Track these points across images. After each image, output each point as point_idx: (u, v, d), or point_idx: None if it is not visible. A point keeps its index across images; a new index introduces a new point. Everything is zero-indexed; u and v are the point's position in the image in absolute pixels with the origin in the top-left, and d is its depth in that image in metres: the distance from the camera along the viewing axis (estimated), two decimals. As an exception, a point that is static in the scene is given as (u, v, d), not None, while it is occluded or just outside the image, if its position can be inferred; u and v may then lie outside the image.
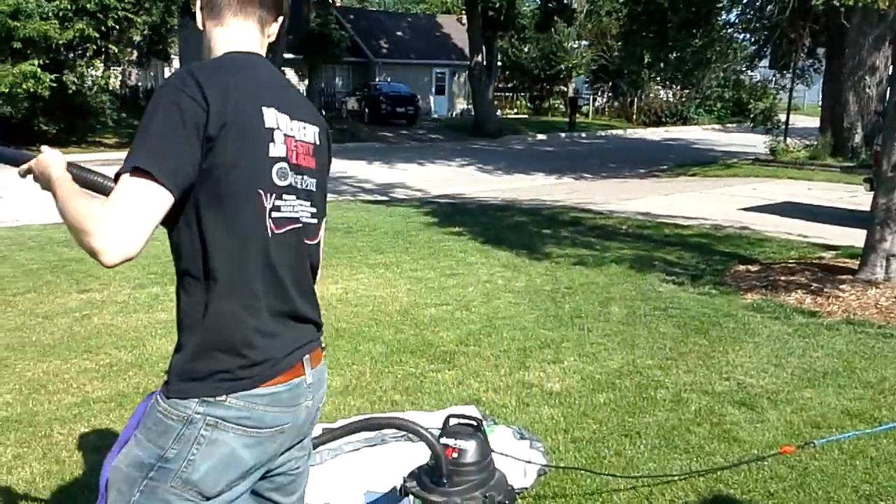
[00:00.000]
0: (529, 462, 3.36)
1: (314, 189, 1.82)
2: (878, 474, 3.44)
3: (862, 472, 3.46)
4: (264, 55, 1.85)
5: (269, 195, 1.70)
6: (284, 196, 1.72)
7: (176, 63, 43.01)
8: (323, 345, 1.91)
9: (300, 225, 1.77)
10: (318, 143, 1.84)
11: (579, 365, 4.89)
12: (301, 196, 1.77)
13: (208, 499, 1.68)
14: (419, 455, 3.44)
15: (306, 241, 1.80)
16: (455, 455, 2.53)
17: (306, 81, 31.33)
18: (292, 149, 1.75)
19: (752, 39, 19.52)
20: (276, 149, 1.71)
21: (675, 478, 3.39)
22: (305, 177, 1.78)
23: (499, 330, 5.64)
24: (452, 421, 2.68)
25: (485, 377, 4.69)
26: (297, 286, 1.78)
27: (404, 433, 3.73)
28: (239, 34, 1.80)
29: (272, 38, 1.87)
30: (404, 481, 2.62)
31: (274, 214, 1.71)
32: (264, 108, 1.70)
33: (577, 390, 4.46)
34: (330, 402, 4.27)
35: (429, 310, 6.17)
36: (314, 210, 1.82)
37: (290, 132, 1.75)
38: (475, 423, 2.66)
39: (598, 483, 3.35)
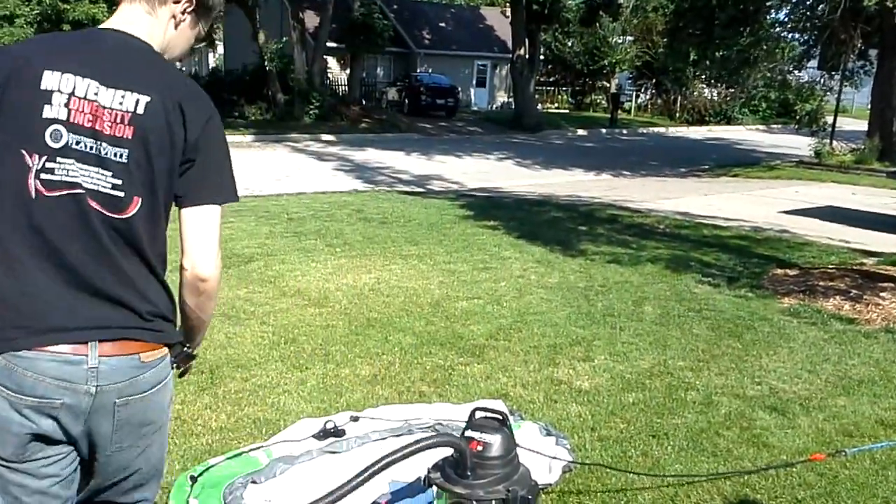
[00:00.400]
0: (555, 458, 3.36)
1: (122, 160, 1.72)
2: (911, 486, 3.39)
3: (893, 483, 3.40)
4: (159, 34, 1.88)
5: (36, 156, 1.69)
6: (59, 159, 1.70)
7: (220, 48, 43.53)
8: (161, 340, 1.84)
9: (81, 191, 1.70)
10: (140, 112, 1.72)
11: (609, 364, 4.87)
12: (88, 162, 1.71)
13: (6, 461, 1.74)
14: (443, 447, 3.47)
15: (105, 212, 1.72)
16: (480, 448, 2.54)
17: (348, 70, 31.51)
18: (80, 112, 1.71)
19: (801, 39, 19.14)
20: (52, 111, 1.70)
21: (702, 479, 3.37)
22: (102, 143, 1.71)
23: (529, 325, 5.63)
24: (479, 414, 2.69)
25: (513, 372, 4.70)
26: (92, 259, 1.72)
27: (431, 424, 3.77)
28: (118, 14, 1.89)
29: (181, 18, 1.90)
30: (428, 472, 2.64)
31: (42, 176, 1.69)
32: (46, 72, 1.71)
33: (606, 389, 4.44)
34: (358, 391, 4.32)
35: (460, 303, 6.19)
36: (117, 181, 1.72)
37: (85, 96, 1.72)
38: (501, 418, 2.67)
39: (623, 482, 3.34)
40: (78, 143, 1.71)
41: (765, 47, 17.04)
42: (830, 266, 7.92)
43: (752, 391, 4.48)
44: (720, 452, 3.67)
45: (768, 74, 18.54)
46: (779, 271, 7.73)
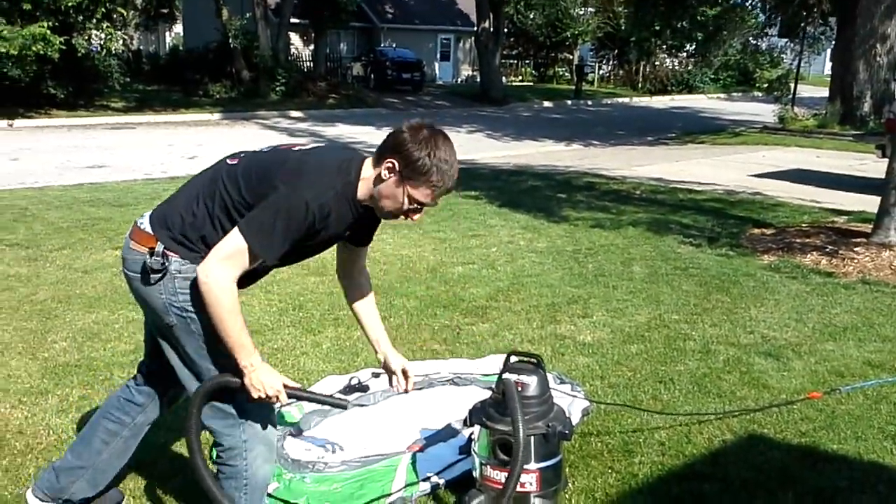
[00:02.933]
0: (575, 398, 3.55)
1: None
2: (901, 418, 3.65)
3: (886, 415, 3.66)
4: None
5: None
6: None
7: (179, 27, 42.79)
8: (139, 223, 2.42)
9: None
10: None
11: (608, 319, 5.09)
12: None
13: None
14: (465, 397, 3.65)
15: None
16: (518, 389, 2.71)
17: (312, 46, 31.25)
18: None
19: (763, 7, 19.47)
20: None
21: (711, 417, 3.60)
22: None
23: (526, 287, 5.82)
24: (514, 358, 2.86)
25: (518, 329, 4.89)
26: None
27: (449, 377, 3.94)
28: None
29: None
30: (470, 413, 2.81)
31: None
32: None
33: (608, 342, 4.66)
34: (373, 351, 4.45)
35: (456, 268, 6.35)
36: None
37: None
38: (536, 361, 2.84)
39: (638, 422, 3.55)
40: None
41: (734, 17, 17.29)
42: (804, 224, 8.23)
43: (745, 339, 4.72)
44: (724, 394, 3.90)
45: (733, 43, 18.79)
46: (755, 231, 8.01)
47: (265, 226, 2.21)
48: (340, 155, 2.40)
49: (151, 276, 2.33)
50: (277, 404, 2.42)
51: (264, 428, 2.45)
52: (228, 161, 2.43)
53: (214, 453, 2.50)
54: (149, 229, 2.38)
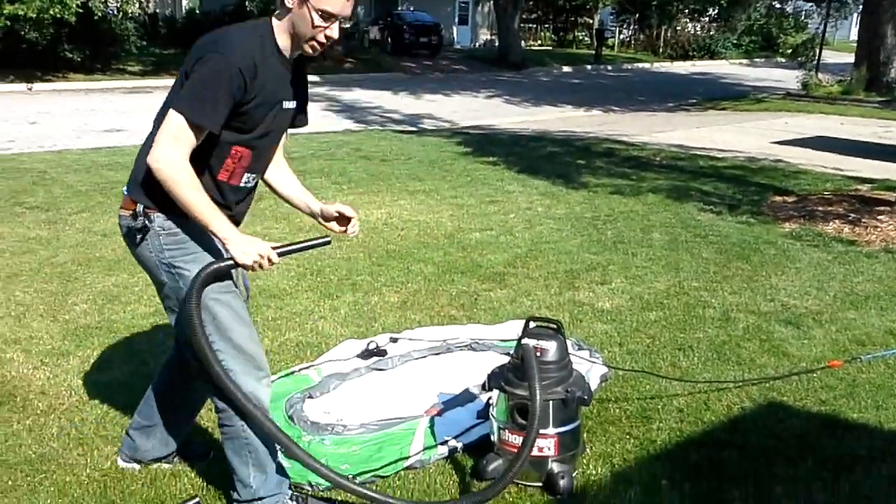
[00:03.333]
0: (593, 364, 3.55)
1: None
2: (923, 387, 3.61)
3: (908, 385, 3.63)
4: None
5: None
6: None
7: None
8: (124, 190, 2.47)
9: None
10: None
11: (627, 286, 5.06)
12: None
13: None
14: (483, 362, 3.65)
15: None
16: (538, 354, 2.70)
17: (329, 10, 30.92)
18: None
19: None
20: None
21: (731, 385, 3.58)
22: None
23: (545, 253, 5.79)
24: (533, 324, 2.85)
25: (536, 296, 4.87)
26: None
27: (467, 343, 3.94)
28: None
29: None
30: (489, 378, 2.81)
31: None
32: None
33: (627, 308, 4.63)
34: (391, 316, 4.49)
35: (473, 234, 6.33)
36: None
37: None
38: (555, 326, 2.83)
39: (657, 388, 3.54)
40: None
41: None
42: (827, 192, 8.12)
43: (765, 307, 4.68)
44: (744, 362, 3.88)
45: (757, 7, 18.41)
46: (777, 198, 7.91)
47: (195, 93, 2.23)
48: (249, 22, 2.43)
49: (137, 236, 2.39)
50: (271, 266, 2.39)
51: (257, 390, 2.45)
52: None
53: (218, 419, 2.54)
54: (127, 193, 2.44)
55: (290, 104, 2.50)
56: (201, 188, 2.28)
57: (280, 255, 2.39)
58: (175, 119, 2.23)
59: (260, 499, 2.53)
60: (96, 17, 18.80)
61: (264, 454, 2.52)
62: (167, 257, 2.40)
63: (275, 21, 2.37)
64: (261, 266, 2.33)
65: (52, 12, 17.00)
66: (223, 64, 2.23)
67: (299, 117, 2.63)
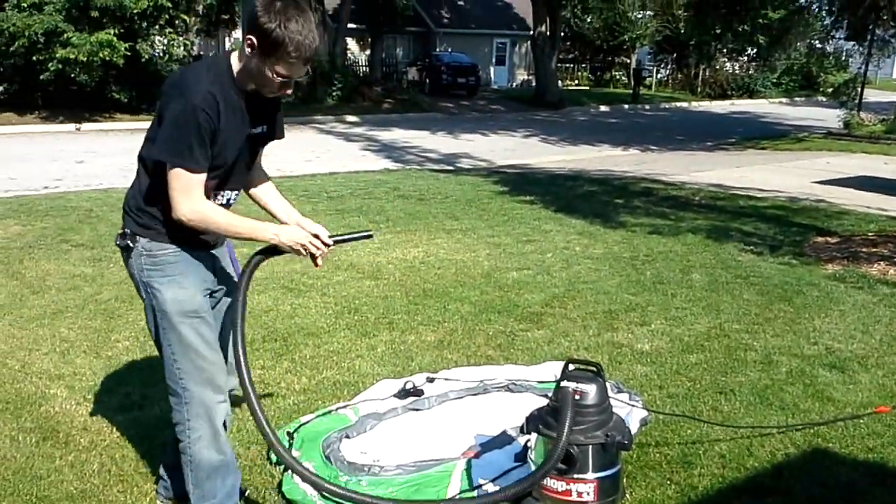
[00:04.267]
0: (633, 407, 3.50)
1: None
2: (976, 436, 3.50)
3: (960, 433, 3.51)
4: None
5: None
6: None
7: (238, 33, 43.59)
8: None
9: None
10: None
11: (667, 328, 5.00)
12: None
13: None
14: (520, 403, 3.63)
15: None
16: (577, 397, 2.68)
17: (368, 51, 31.53)
18: None
19: (829, 8, 18.96)
20: None
21: (774, 430, 3.50)
22: None
23: (582, 294, 5.76)
24: (573, 366, 2.83)
25: (574, 337, 4.83)
26: None
27: (505, 384, 3.91)
28: None
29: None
30: (527, 421, 2.79)
31: None
32: None
33: (667, 350, 4.58)
34: (427, 355, 4.48)
35: (511, 273, 6.32)
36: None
37: None
38: (595, 369, 2.80)
39: (698, 433, 3.48)
40: None
41: (801, 20, 16.85)
42: (870, 233, 7.98)
43: (809, 351, 4.59)
44: (787, 406, 3.80)
45: (798, 47, 18.30)
46: (819, 239, 7.80)
47: (173, 140, 2.37)
48: (208, 59, 2.58)
49: (125, 254, 2.61)
50: (322, 251, 2.62)
51: (210, 413, 2.60)
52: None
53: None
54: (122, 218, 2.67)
55: (257, 129, 2.61)
56: (228, 214, 2.52)
57: (326, 245, 2.63)
58: (174, 174, 2.39)
59: None
60: (143, 60, 19.38)
61: (205, 474, 2.65)
62: (146, 276, 2.57)
63: (234, 58, 2.47)
64: (315, 249, 2.59)
65: (101, 55, 17.56)
66: (189, 108, 2.35)
67: (273, 134, 2.71)
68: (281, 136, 2.74)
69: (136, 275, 2.60)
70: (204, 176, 2.43)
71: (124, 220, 2.62)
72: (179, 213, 2.41)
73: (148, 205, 2.53)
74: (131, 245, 2.55)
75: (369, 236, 2.87)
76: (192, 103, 2.34)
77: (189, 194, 2.40)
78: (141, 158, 2.56)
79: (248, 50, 2.38)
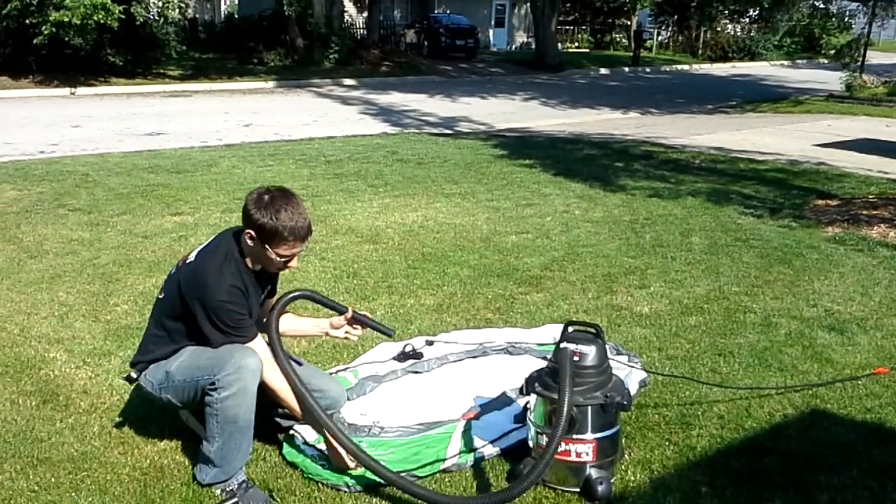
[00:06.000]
0: (632, 369, 3.50)
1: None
2: (974, 396, 3.51)
3: (958, 394, 3.52)
4: None
5: None
6: None
7: (234, -4, 42.96)
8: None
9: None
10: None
11: (666, 290, 4.99)
12: None
13: None
14: (519, 365, 3.63)
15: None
16: (576, 359, 2.68)
17: (365, 13, 31.13)
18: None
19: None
20: None
21: (772, 391, 3.51)
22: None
23: (582, 257, 5.74)
24: (572, 328, 2.82)
25: (573, 300, 4.83)
26: None
27: (504, 346, 3.91)
28: None
29: None
30: (527, 382, 2.79)
31: None
32: None
33: (666, 313, 4.57)
34: (427, 319, 4.48)
35: (510, 237, 6.30)
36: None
37: None
38: (595, 331, 2.80)
39: (697, 394, 3.49)
40: None
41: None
42: (871, 196, 7.95)
43: (808, 313, 4.59)
44: (786, 368, 3.81)
45: (800, 8, 18.07)
46: (820, 202, 7.77)
47: (222, 332, 2.75)
48: (220, 253, 2.83)
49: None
50: (355, 335, 3.18)
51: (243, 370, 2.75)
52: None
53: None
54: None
55: (265, 291, 3.01)
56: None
57: (354, 320, 3.10)
58: (255, 346, 2.81)
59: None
60: (138, 23, 19.13)
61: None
62: (156, 385, 2.92)
63: (243, 245, 2.82)
64: (349, 334, 3.14)
65: (95, 18, 17.33)
66: (218, 303, 2.72)
67: (274, 291, 3.11)
68: (274, 292, 3.12)
69: (151, 391, 2.97)
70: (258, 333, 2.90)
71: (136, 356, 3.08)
72: (265, 380, 2.83)
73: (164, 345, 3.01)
74: (134, 376, 3.06)
75: (390, 335, 3.23)
76: (219, 299, 2.72)
77: (267, 361, 2.86)
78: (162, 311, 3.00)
79: (249, 242, 2.75)
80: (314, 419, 2.79)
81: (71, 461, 2.97)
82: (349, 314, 3.06)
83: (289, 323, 3.15)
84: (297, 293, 3.00)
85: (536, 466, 2.53)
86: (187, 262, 2.91)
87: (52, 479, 2.85)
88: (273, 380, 2.80)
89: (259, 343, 2.83)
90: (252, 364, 2.73)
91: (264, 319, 2.96)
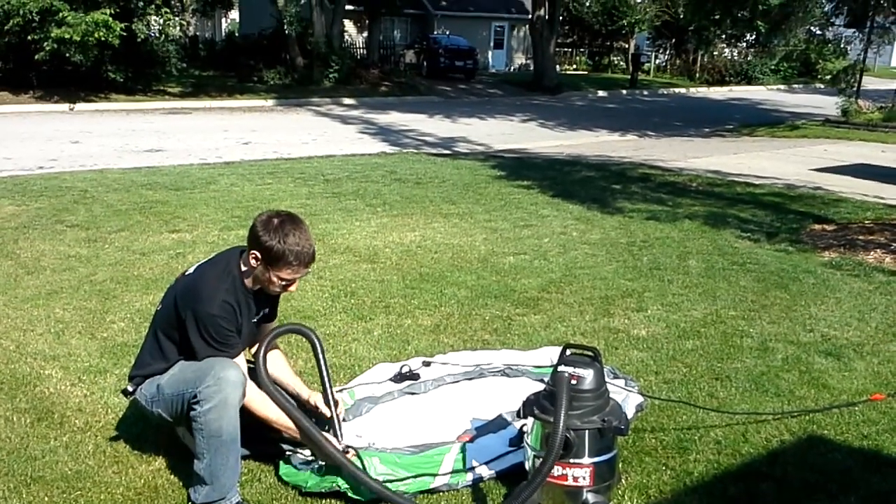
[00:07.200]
0: (629, 393, 3.50)
1: None
2: (971, 424, 3.50)
3: (954, 421, 3.52)
4: None
5: None
6: None
7: (235, 13, 43.27)
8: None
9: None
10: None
11: (663, 313, 5.00)
12: None
13: None
14: (516, 388, 3.62)
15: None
16: (574, 382, 2.67)
17: (365, 34, 31.33)
18: None
19: (829, -5, 18.86)
20: None
21: (769, 417, 3.51)
22: None
23: (579, 279, 5.75)
24: (570, 351, 2.82)
25: (570, 322, 4.83)
26: None
27: (501, 368, 3.90)
28: None
29: None
30: (524, 405, 2.78)
31: None
32: None
33: (663, 336, 4.57)
34: (424, 339, 4.47)
35: (507, 258, 6.31)
36: None
37: None
38: (592, 354, 2.80)
39: (694, 419, 3.48)
40: None
41: (799, 5, 16.75)
42: (867, 221, 7.98)
43: (805, 338, 4.60)
44: (783, 393, 3.80)
45: (797, 33, 18.18)
46: (816, 226, 7.80)
47: (208, 344, 2.76)
48: (218, 267, 2.88)
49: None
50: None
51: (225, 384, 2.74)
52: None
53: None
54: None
55: (261, 314, 3.01)
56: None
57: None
58: (239, 361, 2.83)
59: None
60: (139, 40, 19.22)
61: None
62: (148, 398, 2.91)
63: (243, 264, 2.87)
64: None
65: (97, 35, 17.41)
66: (209, 316, 2.73)
67: (273, 316, 3.15)
68: (274, 317, 3.17)
69: (145, 404, 2.96)
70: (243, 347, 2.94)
71: (132, 370, 3.09)
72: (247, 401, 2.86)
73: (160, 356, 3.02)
74: (131, 389, 3.03)
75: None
76: (210, 312, 2.73)
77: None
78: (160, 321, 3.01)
79: (253, 262, 2.79)
80: (307, 437, 2.82)
81: (65, 480, 2.95)
82: (319, 400, 3.11)
83: (283, 371, 3.21)
84: (300, 329, 3.10)
85: (528, 486, 2.53)
86: (186, 274, 2.95)
87: (46, 499, 2.83)
88: (258, 404, 2.85)
89: (242, 360, 2.85)
90: (232, 376, 2.72)
91: (259, 346, 3.00)
